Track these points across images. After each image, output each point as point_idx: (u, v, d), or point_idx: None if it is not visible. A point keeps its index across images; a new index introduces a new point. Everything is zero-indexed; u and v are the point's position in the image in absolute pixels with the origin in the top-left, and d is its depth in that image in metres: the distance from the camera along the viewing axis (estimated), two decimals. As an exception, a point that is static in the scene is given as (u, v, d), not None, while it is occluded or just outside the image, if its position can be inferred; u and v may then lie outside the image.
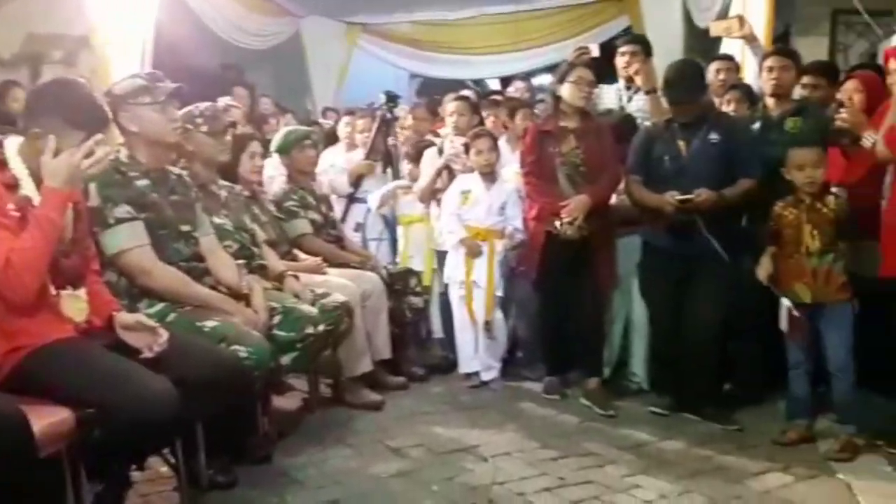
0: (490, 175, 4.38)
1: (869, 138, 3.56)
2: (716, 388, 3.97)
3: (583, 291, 4.08)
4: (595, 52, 4.79)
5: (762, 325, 3.88)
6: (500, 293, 4.33)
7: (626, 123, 4.31)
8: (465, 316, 4.35)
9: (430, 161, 4.76)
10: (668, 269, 3.85)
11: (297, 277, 3.63)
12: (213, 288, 3.09)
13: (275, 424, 3.41)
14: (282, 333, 3.18)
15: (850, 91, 3.99)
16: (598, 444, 3.50)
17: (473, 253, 4.29)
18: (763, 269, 3.51)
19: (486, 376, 4.34)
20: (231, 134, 3.68)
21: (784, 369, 3.65)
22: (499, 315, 4.36)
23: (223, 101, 4.53)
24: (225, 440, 2.93)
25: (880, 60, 4.53)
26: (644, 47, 4.77)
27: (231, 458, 3.02)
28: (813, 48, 5.97)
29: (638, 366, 4.29)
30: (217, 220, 3.40)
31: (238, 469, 3.01)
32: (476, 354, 4.36)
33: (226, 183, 3.69)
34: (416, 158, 4.91)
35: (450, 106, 4.99)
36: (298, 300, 3.43)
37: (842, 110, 3.74)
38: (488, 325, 4.32)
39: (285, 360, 3.20)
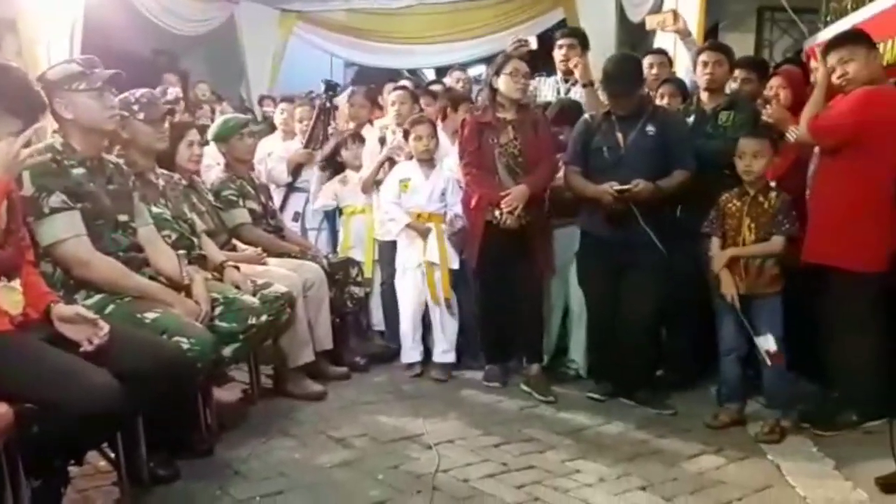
0: (429, 162, 4.40)
1: (793, 133, 3.71)
2: (651, 374, 4.09)
3: (522, 280, 4.14)
4: (533, 44, 4.84)
5: (695, 313, 4.02)
6: (455, 266, 4.35)
7: (572, 108, 4.36)
8: (411, 305, 4.37)
9: (372, 151, 4.75)
10: (606, 258, 3.94)
11: (237, 268, 3.59)
12: (152, 279, 3.03)
13: (216, 416, 3.36)
14: (224, 324, 3.15)
15: (776, 87, 4.15)
16: (539, 430, 3.56)
17: (423, 233, 4.31)
18: (717, 263, 3.61)
19: (446, 359, 4.37)
20: (169, 122, 3.61)
21: (715, 355, 3.78)
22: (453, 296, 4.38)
23: (172, 91, 4.43)
24: (166, 433, 2.89)
25: (805, 55, 4.72)
26: (582, 41, 4.84)
27: (172, 451, 2.97)
28: (740, 44, 6.13)
29: (576, 353, 4.38)
30: (155, 209, 3.34)
31: (179, 462, 2.96)
32: (415, 345, 4.39)
33: (164, 171, 3.62)
34: (353, 145, 4.87)
35: (391, 96, 4.98)
36: (240, 291, 3.39)
37: (767, 107, 3.90)
38: (448, 303, 4.35)
39: (227, 351, 3.16)
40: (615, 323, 3.94)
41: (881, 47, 3.61)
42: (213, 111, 6.29)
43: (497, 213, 3.98)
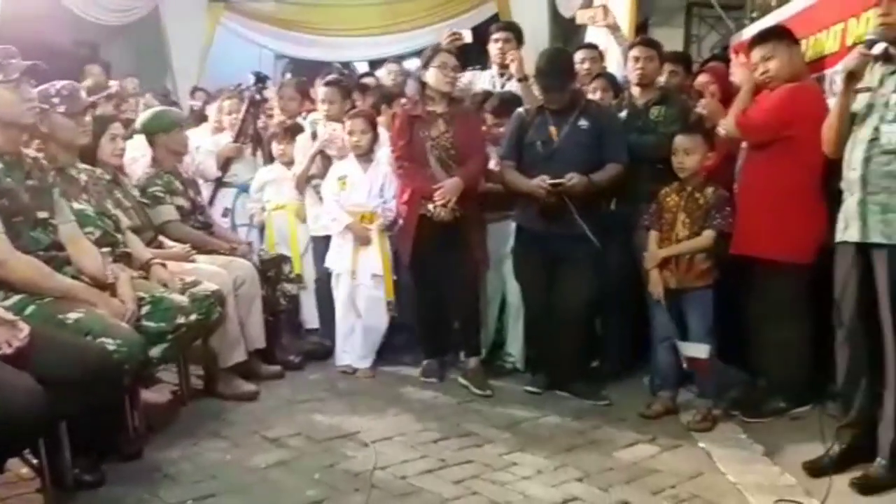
0: (366, 157, 4.34)
1: (724, 126, 3.78)
2: (586, 366, 4.14)
3: (457, 273, 4.13)
4: (468, 37, 4.83)
5: (629, 304, 4.08)
6: (394, 277, 4.32)
7: (512, 101, 4.37)
8: (343, 307, 4.32)
9: (304, 146, 4.67)
10: (541, 251, 3.96)
11: (164, 265, 3.49)
12: (74, 278, 2.92)
13: (144, 419, 3.26)
14: (151, 324, 3.05)
15: (703, 83, 4.24)
16: (476, 424, 3.56)
17: (363, 240, 4.25)
18: (651, 259, 3.65)
19: (363, 364, 4.33)
20: (91, 115, 3.47)
21: (648, 345, 3.85)
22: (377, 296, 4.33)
23: (129, 82, 4.24)
24: (91, 437, 2.77)
25: (732, 51, 4.83)
26: (517, 35, 4.86)
27: (98, 455, 2.86)
28: (669, 39, 6.23)
29: (513, 346, 4.39)
30: (77, 205, 3.21)
31: (106, 467, 2.85)
32: (352, 346, 4.34)
33: (86, 166, 3.48)
34: (283, 138, 4.80)
35: (321, 92, 4.91)
36: (167, 289, 3.30)
37: (701, 101, 3.98)
38: (390, 306, 4.31)
39: (155, 351, 3.07)
40: (551, 315, 3.97)
41: (804, 44, 3.71)
42: (136, 104, 6.09)
43: (430, 206, 3.97)
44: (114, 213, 3.47)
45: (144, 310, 3.06)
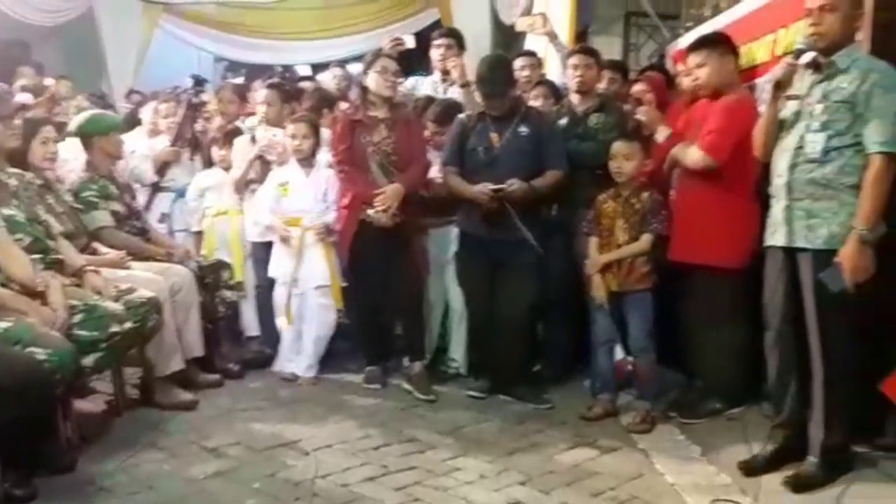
0: (307, 161, 4.30)
1: (662, 133, 3.87)
2: (528, 369, 4.16)
3: (399, 278, 4.12)
4: (410, 42, 4.83)
5: (570, 308, 4.13)
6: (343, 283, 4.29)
7: (453, 109, 4.38)
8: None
9: (243, 150, 4.60)
10: (483, 256, 3.99)
11: (98, 272, 3.40)
12: (3, 286, 2.82)
13: (78, 430, 3.17)
14: (84, 333, 2.98)
15: (640, 92, 4.33)
16: (419, 429, 3.55)
17: (284, 239, 4.20)
18: (593, 265, 3.70)
19: (309, 373, 4.28)
20: (21, 117, 3.36)
21: (588, 349, 3.90)
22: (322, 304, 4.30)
23: (62, 84, 4.09)
24: (21, 450, 2.69)
25: (668, 60, 4.94)
26: (458, 41, 4.88)
27: (29, 468, 2.76)
28: (608, 47, 6.36)
29: (456, 351, 4.40)
30: (6, 211, 3.11)
31: (38, 480, 2.76)
32: (297, 355, 4.29)
33: (16, 170, 3.37)
34: (224, 143, 4.72)
35: (260, 95, 4.84)
36: (101, 297, 3.22)
37: (640, 108, 4.06)
38: (340, 314, 4.28)
39: (88, 361, 2.99)
40: (493, 320, 3.99)
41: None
42: (70, 107, 5.92)
43: (371, 211, 3.95)
44: (45, 218, 3.37)
45: (77, 318, 2.98)
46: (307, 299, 4.24)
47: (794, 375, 3.02)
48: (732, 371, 3.60)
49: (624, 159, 3.68)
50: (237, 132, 4.79)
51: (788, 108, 2.93)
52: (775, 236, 2.98)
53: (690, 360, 3.82)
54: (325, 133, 4.50)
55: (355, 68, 6.88)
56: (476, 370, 4.26)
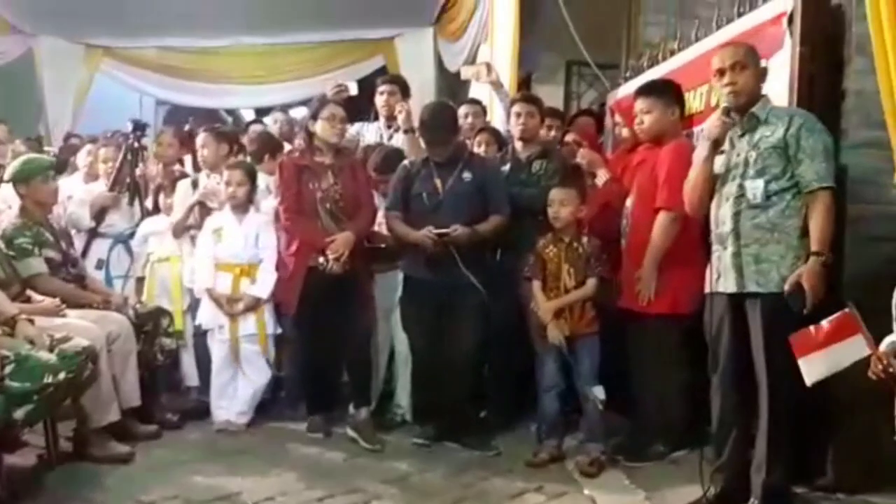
0: (242, 208, 4.27)
1: (602, 177, 3.94)
2: (474, 416, 4.14)
3: (346, 325, 4.08)
4: (353, 89, 4.87)
5: (513, 352, 4.13)
6: (270, 331, 4.23)
7: (395, 156, 4.40)
8: (223, 361, 4.19)
9: (184, 195, 4.54)
10: (428, 301, 3.98)
11: (31, 321, 3.29)
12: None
13: (8, 485, 3.05)
14: (15, 384, 2.88)
15: (572, 140, 4.44)
16: (364, 480, 3.49)
17: (227, 311, 4.17)
18: (546, 313, 3.71)
19: (241, 420, 4.19)
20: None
21: (535, 393, 3.90)
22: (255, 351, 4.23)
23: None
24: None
25: (608, 108, 5.07)
26: (402, 88, 4.93)
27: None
28: (551, 95, 6.47)
29: (402, 398, 4.36)
30: (-66, 259, 3.00)
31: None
32: (229, 402, 4.20)
33: (-56, 217, 3.27)
34: (172, 190, 4.66)
35: (198, 139, 4.81)
36: (34, 346, 3.11)
37: (581, 151, 4.14)
38: (269, 363, 4.22)
39: (20, 413, 2.90)
40: (438, 365, 3.97)
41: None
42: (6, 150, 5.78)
43: (322, 259, 3.93)
44: (-25, 266, 3.27)
45: (8, 369, 2.89)
46: (239, 347, 4.17)
47: (736, 419, 3.06)
48: (675, 414, 3.64)
49: (560, 205, 3.74)
50: (184, 177, 4.74)
51: (718, 163, 3.03)
52: (722, 283, 3.03)
53: (635, 404, 3.84)
54: (263, 179, 4.48)
55: (298, 113, 6.90)
56: (422, 416, 4.22)
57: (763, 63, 3.07)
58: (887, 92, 2.21)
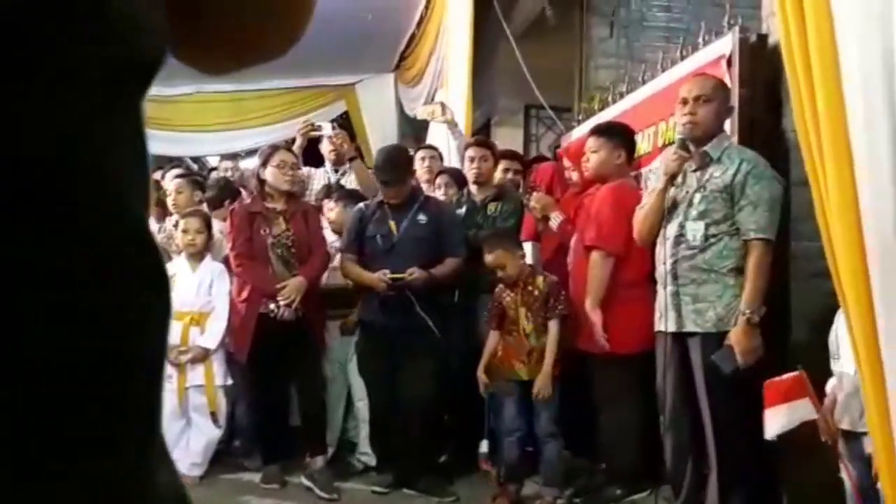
0: (198, 256, 4.24)
1: (555, 219, 3.97)
2: (433, 461, 4.09)
3: (300, 372, 4.05)
4: (327, 129, 4.88)
5: (473, 396, 4.09)
6: (220, 382, 4.16)
7: (353, 195, 4.41)
8: (172, 412, 4.10)
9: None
10: (384, 345, 3.95)
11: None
12: None
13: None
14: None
15: (530, 183, 4.48)
16: (319, 530, 3.42)
17: (173, 360, 4.07)
18: (486, 357, 3.74)
19: (193, 472, 4.09)
20: None
21: (496, 437, 3.86)
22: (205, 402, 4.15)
23: None
24: None
25: (558, 151, 5.14)
26: (349, 132, 4.98)
27: None
28: (511, 138, 6.57)
29: (362, 444, 4.29)
30: None
31: None
32: (182, 454, 4.10)
33: None
34: None
35: (171, 184, 4.79)
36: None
37: (534, 195, 4.17)
38: (214, 416, 4.14)
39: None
40: (396, 410, 3.93)
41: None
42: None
43: (273, 305, 3.90)
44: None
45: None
46: (189, 396, 4.10)
47: (689, 457, 3.05)
48: (631, 456, 3.60)
49: (500, 269, 3.72)
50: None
51: (668, 197, 3.05)
52: (664, 322, 3.05)
53: (594, 446, 3.82)
54: (218, 224, 4.45)
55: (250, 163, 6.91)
56: (380, 463, 4.15)
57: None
58: (802, 132, 2.25)
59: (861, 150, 1.97)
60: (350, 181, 4.73)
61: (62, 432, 0.41)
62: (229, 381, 4.19)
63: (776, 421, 2.59)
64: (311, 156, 4.96)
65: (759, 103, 3.17)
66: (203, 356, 4.11)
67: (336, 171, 4.92)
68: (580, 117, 4.92)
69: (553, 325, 3.66)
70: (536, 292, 3.72)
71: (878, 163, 1.92)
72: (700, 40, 3.48)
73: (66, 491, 0.41)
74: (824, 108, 2.08)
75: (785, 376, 2.57)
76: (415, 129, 7.52)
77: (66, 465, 0.41)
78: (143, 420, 0.46)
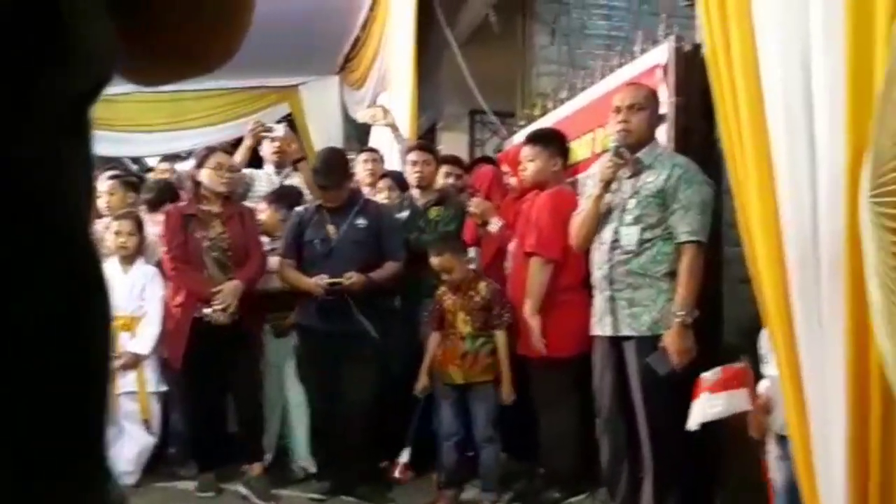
0: (129, 258, 4.14)
1: (495, 224, 3.98)
2: (373, 467, 4.05)
3: (237, 377, 3.99)
4: (279, 131, 4.81)
5: (413, 400, 4.08)
6: (153, 389, 4.07)
7: (291, 193, 4.35)
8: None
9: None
10: (323, 349, 3.91)
11: None
12: None
13: None
14: None
15: (471, 187, 4.49)
16: (254, 538, 3.37)
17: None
18: (429, 357, 3.74)
19: (128, 480, 3.99)
20: None
21: (435, 441, 3.85)
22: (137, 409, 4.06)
23: None
24: None
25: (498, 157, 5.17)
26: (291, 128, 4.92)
27: None
28: (455, 143, 6.58)
29: (301, 451, 4.24)
30: None
31: None
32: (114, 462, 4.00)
33: None
34: None
35: (104, 185, 4.67)
36: None
37: (473, 200, 4.18)
38: (148, 424, 4.05)
39: None
40: (335, 415, 3.89)
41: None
42: None
43: (208, 310, 3.83)
44: None
45: None
46: (121, 403, 4.00)
47: (625, 460, 3.08)
48: (570, 459, 3.63)
49: (446, 273, 3.73)
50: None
51: (603, 203, 3.08)
52: (600, 325, 3.08)
53: (533, 449, 3.83)
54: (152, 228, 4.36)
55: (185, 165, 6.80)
56: (319, 469, 4.11)
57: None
58: (727, 142, 2.29)
59: (782, 161, 2.01)
60: (294, 184, 4.67)
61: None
62: (163, 388, 4.11)
63: (709, 408, 2.61)
64: (251, 157, 4.88)
65: (693, 111, 3.22)
66: (134, 362, 4.01)
67: (278, 173, 4.85)
68: (522, 123, 4.95)
69: (500, 335, 3.68)
70: (478, 297, 3.73)
71: (798, 174, 1.96)
72: (637, 48, 3.53)
73: None
74: (747, 117, 2.12)
75: (728, 366, 2.59)
76: (360, 133, 7.48)
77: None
78: (87, 432, 0.45)
